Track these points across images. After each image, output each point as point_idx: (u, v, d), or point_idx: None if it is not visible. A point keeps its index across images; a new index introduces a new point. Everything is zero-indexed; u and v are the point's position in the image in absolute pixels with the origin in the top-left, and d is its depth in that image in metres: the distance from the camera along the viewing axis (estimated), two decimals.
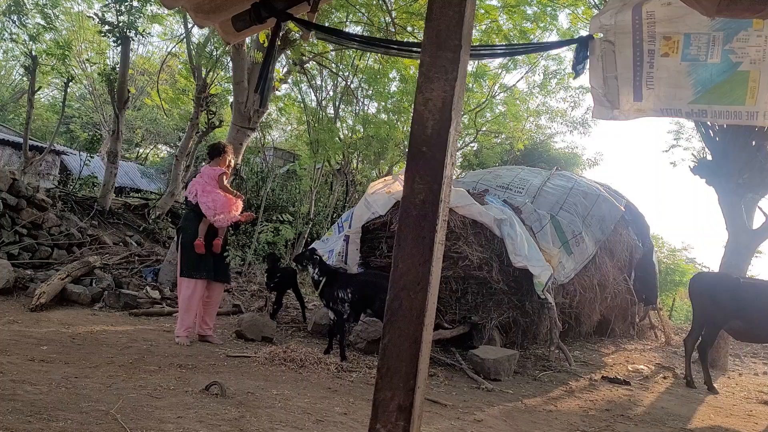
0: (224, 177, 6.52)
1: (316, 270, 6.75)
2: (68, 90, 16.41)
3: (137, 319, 7.28)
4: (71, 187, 15.25)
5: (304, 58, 12.48)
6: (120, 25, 12.00)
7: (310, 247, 7.83)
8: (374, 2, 10.64)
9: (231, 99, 10.95)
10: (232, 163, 6.91)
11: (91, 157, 14.71)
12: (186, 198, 6.67)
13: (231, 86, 11.33)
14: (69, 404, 3.72)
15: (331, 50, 13.37)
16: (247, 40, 10.38)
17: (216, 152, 6.69)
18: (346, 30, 10.81)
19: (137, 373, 4.80)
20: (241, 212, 6.71)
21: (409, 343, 2.05)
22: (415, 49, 4.00)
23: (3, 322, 6.10)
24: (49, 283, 7.35)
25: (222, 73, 14.32)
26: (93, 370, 4.73)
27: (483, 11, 9.98)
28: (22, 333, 5.70)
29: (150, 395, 4.18)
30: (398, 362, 2.05)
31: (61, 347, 5.36)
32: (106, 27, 12.10)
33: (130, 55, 13.97)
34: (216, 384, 4.45)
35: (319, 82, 15.87)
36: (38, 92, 16.99)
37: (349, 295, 6.65)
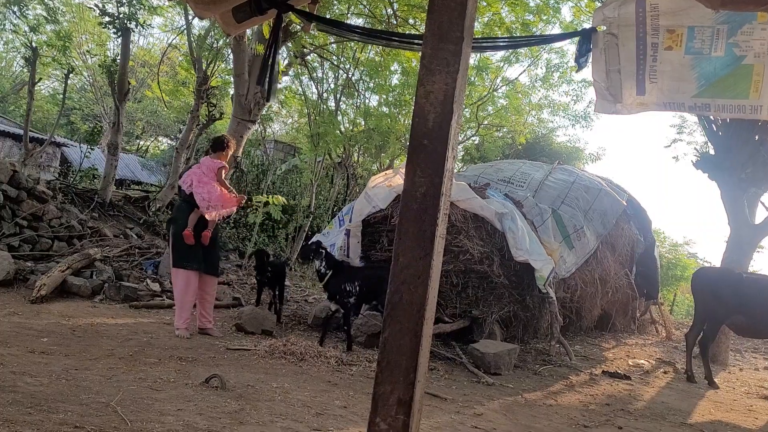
0: (223, 171, 6.51)
1: (323, 263, 6.74)
2: (69, 82, 16.39)
3: (137, 311, 7.29)
4: (72, 179, 15.22)
5: (305, 50, 12.44)
6: (120, 16, 11.96)
7: (315, 240, 7.79)
8: None
9: (232, 91, 10.93)
10: (229, 155, 6.89)
11: (92, 149, 14.66)
12: (179, 188, 6.64)
13: (232, 78, 11.31)
14: (69, 396, 3.73)
15: (332, 42, 13.33)
16: (248, 31, 10.36)
17: (219, 146, 6.67)
18: (348, 22, 10.78)
19: (137, 365, 4.81)
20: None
21: (410, 336, 2.05)
22: (416, 41, 3.98)
23: (3, 313, 6.11)
24: (50, 275, 7.36)
25: (223, 65, 14.30)
26: (93, 362, 4.74)
27: (485, 3, 9.95)
28: (23, 325, 5.71)
29: (150, 387, 4.19)
30: (398, 356, 2.05)
31: (61, 339, 5.37)
32: (107, 18, 12.07)
33: (131, 46, 13.94)
34: (216, 377, 4.45)
35: (320, 75, 15.84)
36: (38, 84, 16.95)
37: (357, 288, 6.67)
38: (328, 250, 7.80)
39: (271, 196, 10.45)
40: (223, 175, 6.51)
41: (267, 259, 8.01)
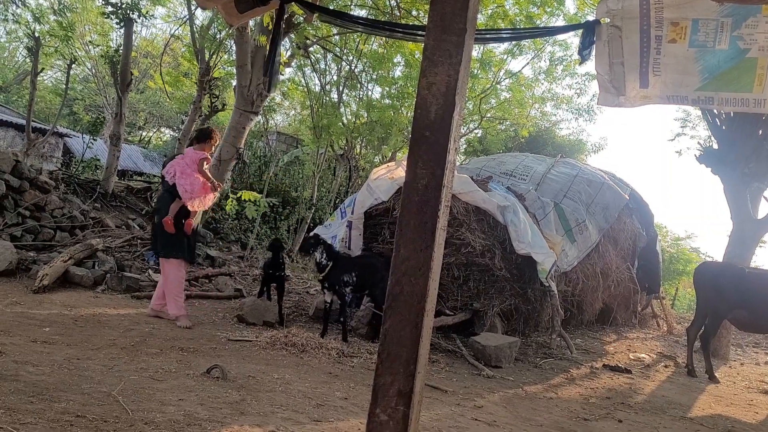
0: (205, 162, 6.58)
1: (324, 255, 6.74)
2: (71, 72, 16.36)
3: (139, 302, 7.30)
4: (74, 170, 15.26)
5: (307, 41, 12.41)
6: (123, 6, 11.94)
7: (313, 233, 7.75)
8: None
9: (234, 82, 10.92)
10: (213, 146, 6.93)
11: (94, 139, 14.67)
12: (162, 177, 6.69)
13: (234, 69, 11.29)
14: (71, 385, 3.75)
15: (335, 34, 13.30)
16: (251, 23, 10.33)
17: (203, 137, 6.76)
18: (351, 13, 10.74)
19: (139, 355, 4.83)
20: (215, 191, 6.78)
21: (410, 328, 2.06)
22: (420, 32, 3.97)
23: (6, 303, 6.13)
24: (52, 265, 7.37)
25: (225, 56, 14.27)
26: (95, 352, 4.76)
27: None
28: (25, 314, 5.73)
29: (151, 378, 4.20)
30: (399, 348, 2.06)
31: (63, 329, 5.39)
32: (110, 8, 12.05)
33: (134, 37, 13.91)
34: (217, 367, 4.47)
35: (322, 66, 15.80)
36: (41, 74, 16.94)
37: (354, 278, 6.69)
38: (329, 242, 7.81)
39: (247, 193, 10.27)
40: (205, 166, 6.58)
41: (282, 252, 7.67)
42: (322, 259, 6.72)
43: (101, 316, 6.17)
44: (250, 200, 10.08)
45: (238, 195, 10.39)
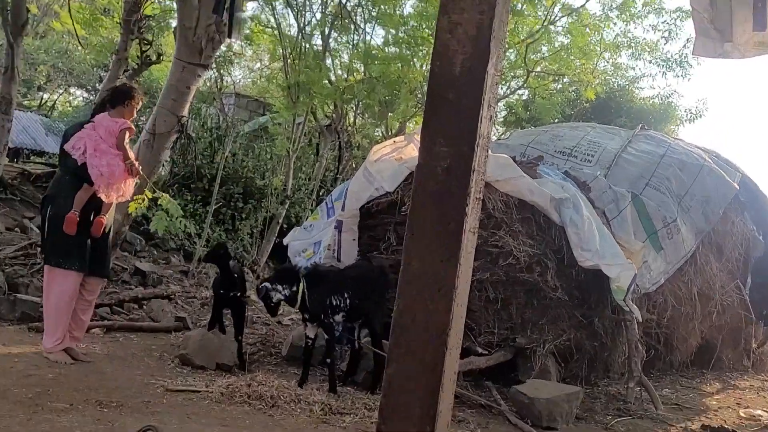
0: (127, 133, 6.44)
1: (284, 288, 6.54)
2: None
3: (40, 335, 7.30)
4: None
5: None
6: None
7: (262, 284, 7.22)
8: None
9: (174, 23, 10.93)
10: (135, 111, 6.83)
11: None
12: (62, 152, 6.55)
13: (174, 4, 11.31)
14: None
15: None
16: None
17: (121, 97, 6.62)
18: None
19: (40, 412, 4.83)
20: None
21: (426, 374, 2.06)
22: None
23: None
24: None
25: None
26: None
27: None
28: None
29: None
30: (409, 401, 2.06)
31: None
32: None
33: None
34: (151, 429, 4.48)
35: (301, 1, 15.81)
36: None
37: (347, 300, 6.64)
38: (310, 251, 7.80)
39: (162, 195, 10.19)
40: (127, 139, 6.44)
41: (229, 260, 7.53)
42: (283, 293, 6.55)
43: None
44: (163, 208, 9.89)
45: (154, 196, 10.36)
